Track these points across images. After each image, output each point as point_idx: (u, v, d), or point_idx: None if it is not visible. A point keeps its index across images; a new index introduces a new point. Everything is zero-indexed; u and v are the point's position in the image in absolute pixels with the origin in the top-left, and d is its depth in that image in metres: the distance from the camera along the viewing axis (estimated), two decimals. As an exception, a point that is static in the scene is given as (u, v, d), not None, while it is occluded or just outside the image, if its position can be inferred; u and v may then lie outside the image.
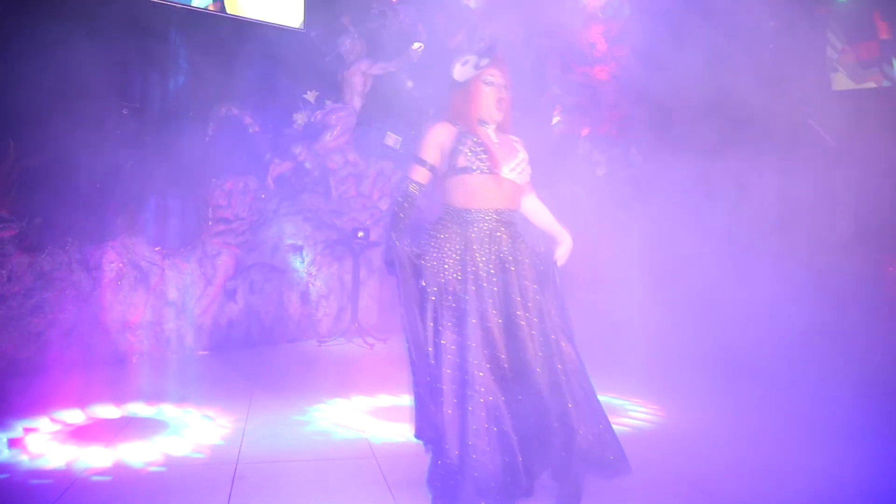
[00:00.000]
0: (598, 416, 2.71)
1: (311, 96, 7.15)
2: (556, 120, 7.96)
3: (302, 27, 7.47)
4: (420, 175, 2.86)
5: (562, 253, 2.97)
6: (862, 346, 4.98)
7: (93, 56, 5.70)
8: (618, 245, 6.81)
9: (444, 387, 2.59)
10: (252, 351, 6.10)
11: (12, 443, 3.35)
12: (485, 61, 2.84)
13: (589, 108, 7.83)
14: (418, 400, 2.75)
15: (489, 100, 2.86)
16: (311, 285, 6.70)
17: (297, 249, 6.70)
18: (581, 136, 7.82)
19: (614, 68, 7.88)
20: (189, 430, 3.65)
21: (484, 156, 2.77)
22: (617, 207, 7.29)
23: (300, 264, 6.69)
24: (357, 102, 7.32)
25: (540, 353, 2.65)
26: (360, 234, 6.48)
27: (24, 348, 4.95)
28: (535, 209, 3.09)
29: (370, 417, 3.99)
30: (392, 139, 7.16)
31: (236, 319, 6.28)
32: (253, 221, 6.52)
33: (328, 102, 7.17)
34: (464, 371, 2.58)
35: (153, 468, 3.07)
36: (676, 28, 6.76)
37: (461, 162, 2.77)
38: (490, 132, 2.88)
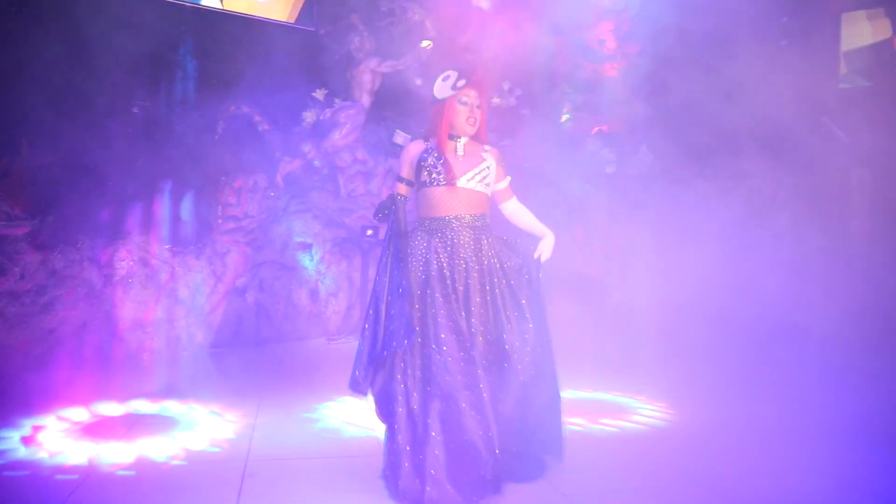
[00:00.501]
0: (549, 399, 3.02)
1: (320, 94, 7.15)
2: (565, 118, 7.94)
3: (311, 25, 7.47)
4: (401, 189, 3.21)
5: (544, 246, 3.22)
6: (878, 345, 4.94)
7: (103, 56, 5.73)
8: (628, 243, 6.79)
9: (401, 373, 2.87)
10: (261, 348, 6.12)
11: (26, 440, 3.38)
12: (461, 82, 3.08)
13: (599, 106, 7.81)
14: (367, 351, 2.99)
15: (461, 117, 3.10)
16: (320, 283, 6.71)
17: (307, 247, 6.72)
18: (591, 133, 7.80)
19: (624, 65, 7.84)
20: (199, 428, 3.66)
21: (441, 169, 3.06)
22: (627, 205, 7.26)
23: (309, 262, 6.70)
24: (366, 100, 7.32)
25: (496, 349, 2.95)
26: (369, 231, 6.48)
27: (36, 345, 4.99)
28: (515, 212, 3.37)
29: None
30: (401, 137, 7.16)
31: (246, 317, 6.30)
32: (262, 219, 6.54)
33: (337, 100, 7.18)
34: (428, 358, 2.84)
35: (164, 464, 3.09)
36: (687, 24, 6.72)
37: (423, 177, 3.10)
38: (459, 145, 3.14)
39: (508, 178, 3.31)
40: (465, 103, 3.10)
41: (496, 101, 7.77)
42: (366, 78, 7.29)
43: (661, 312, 5.97)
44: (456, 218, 3.07)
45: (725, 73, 6.30)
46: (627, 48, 7.83)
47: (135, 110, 6.12)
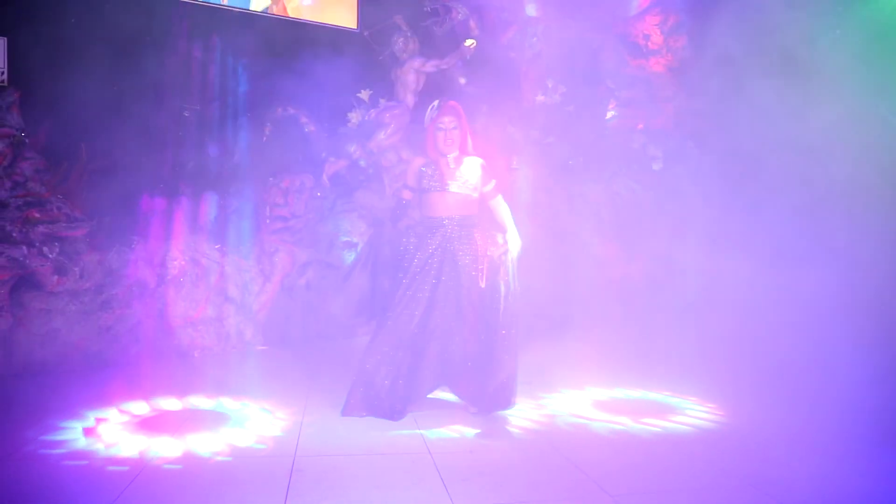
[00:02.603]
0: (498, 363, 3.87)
1: (364, 95, 7.23)
2: (610, 114, 7.84)
3: (356, 27, 7.55)
4: (406, 194, 4.10)
5: (509, 242, 3.97)
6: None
7: (154, 62, 5.91)
8: (675, 241, 6.68)
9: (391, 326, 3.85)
10: (308, 346, 6.22)
11: (87, 431, 3.51)
12: (435, 112, 4.03)
13: (644, 102, 7.68)
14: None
15: (439, 140, 3.97)
16: (365, 282, 6.77)
17: (353, 246, 6.79)
18: (636, 130, 7.69)
19: (670, 60, 7.71)
20: (248, 424, 3.75)
21: (436, 177, 3.96)
22: (674, 202, 7.14)
23: (355, 261, 6.77)
24: (410, 100, 7.36)
25: (462, 313, 3.89)
26: (414, 231, 6.51)
27: (95, 342, 5.17)
28: (494, 208, 4.13)
29: (424, 412, 4.02)
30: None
31: (293, 315, 6.41)
32: (309, 219, 6.64)
33: (382, 101, 7.24)
34: (408, 321, 3.84)
35: (215, 459, 3.17)
36: (736, 14, 6.56)
37: (423, 184, 3.99)
38: (450, 159, 3.99)
39: (493, 182, 4.08)
40: (441, 129, 3.95)
41: (540, 98, 7.73)
42: (410, 78, 7.33)
43: (709, 312, 5.86)
44: (448, 218, 3.94)
45: (775, 66, 6.13)
46: (673, 42, 7.69)
47: (185, 114, 6.28)
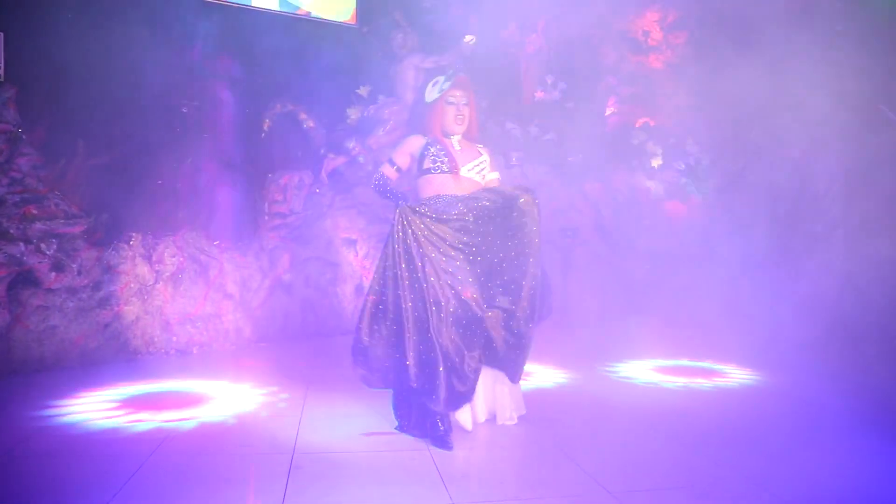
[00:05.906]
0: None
1: (363, 91, 7.21)
2: (610, 111, 7.83)
3: (354, 23, 7.53)
4: (388, 171, 3.56)
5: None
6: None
7: (154, 57, 5.88)
8: (674, 237, 6.68)
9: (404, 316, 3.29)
10: (307, 343, 6.21)
11: (83, 426, 3.50)
12: (446, 85, 3.51)
13: (644, 98, 7.68)
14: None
15: (449, 116, 3.52)
16: (364, 278, 6.77)
17: (351, 243, 6.78)
18: (636, 126, 7.68)
19: (670, 57, 7.69)
20: (246, 420, 3.73)
21: (445, 159, 3.45)
22: (673, 199, 7.13)
23: (354, 257, 6.77)
24: (409, 97, 7.34)
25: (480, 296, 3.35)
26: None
27: (93, 339, 5.16)
28: None
29: (423, 410, 4.00)
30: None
31: (292, 312, 6.40)
32: (308, 215, 6.62)
33: (381, 97, 7.22)
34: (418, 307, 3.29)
35: (214, 456, 3.16)
36: (733, 11, 6.55)
37: (426, 164, 3.47)
38: (454, 141, 3.55)
39: (497, 174, 3.71)
40: (452, 103, 3.52)
41: (539, 94, 7.71)
42: (409, 74, 7.31)
43: (706, 308, 5.86)
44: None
45: (774, 62, 6.12)
46: (673, 39, 7.68)
47: (183, 110, 6.26)
